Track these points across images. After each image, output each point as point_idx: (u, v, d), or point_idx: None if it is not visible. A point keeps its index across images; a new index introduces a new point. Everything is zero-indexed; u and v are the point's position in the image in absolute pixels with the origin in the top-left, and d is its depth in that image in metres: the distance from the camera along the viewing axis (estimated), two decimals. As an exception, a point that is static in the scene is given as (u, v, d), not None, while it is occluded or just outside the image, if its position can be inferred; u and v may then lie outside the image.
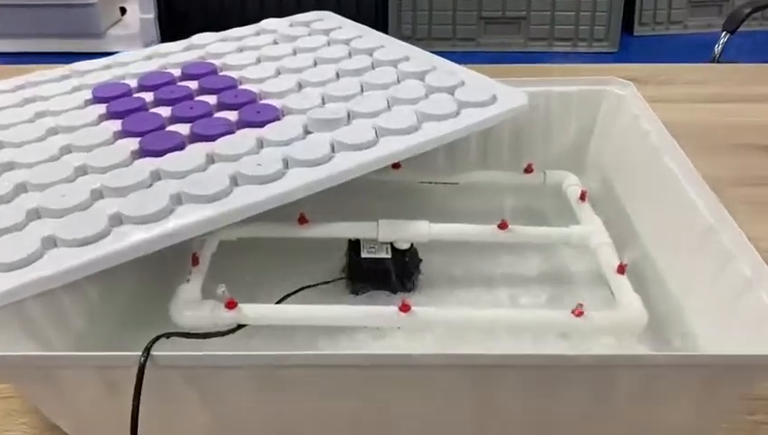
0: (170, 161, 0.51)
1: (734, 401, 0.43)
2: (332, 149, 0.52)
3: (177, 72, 0.64)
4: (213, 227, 0.46)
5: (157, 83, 0.62)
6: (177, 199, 0.47)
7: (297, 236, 0.53)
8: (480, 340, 0.48)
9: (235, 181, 0.49)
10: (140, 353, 0.36)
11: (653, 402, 0.38)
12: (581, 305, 0.45)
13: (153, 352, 0.36)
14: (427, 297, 0.54)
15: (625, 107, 0.63)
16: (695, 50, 2.41)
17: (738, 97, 0.89)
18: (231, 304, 0.46)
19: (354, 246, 0.54)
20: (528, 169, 0.61)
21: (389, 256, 0.53)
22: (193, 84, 0.62)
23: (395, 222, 0.54)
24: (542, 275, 0.56)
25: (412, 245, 0.54)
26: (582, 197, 0.58)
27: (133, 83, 0.63)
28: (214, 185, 0.48)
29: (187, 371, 0.37)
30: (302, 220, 0.53)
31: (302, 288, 0.52)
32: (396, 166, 0.61)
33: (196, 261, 0.50)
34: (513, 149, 0.66)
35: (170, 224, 0.45)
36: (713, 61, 1.46)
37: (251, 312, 0.46)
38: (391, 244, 0.54)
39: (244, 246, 0.54)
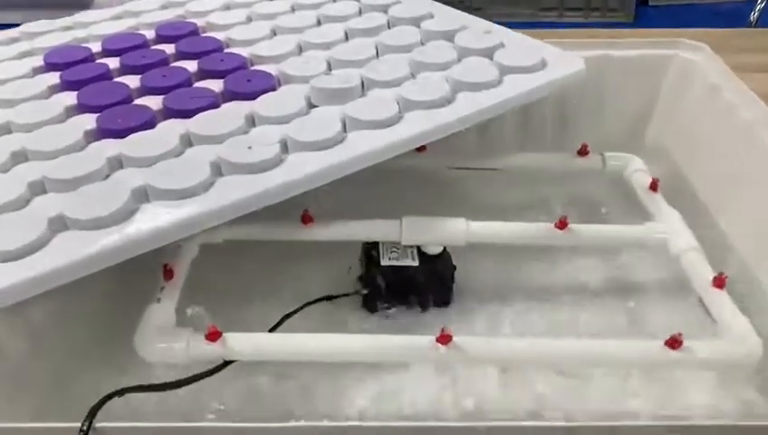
0: (135, 144, 0.39)
1: None
2: (344, 128, 0.41)
3: (150, 34, 0.53)
4: (188, 232, 0.35)
5: (124, 47, 0.50)
6: (142, 195, 0.36)
7: (299, 239, 0.42)
8: (537, 376, 0.37)
9: (218, 170, 0.38)
10: (80, 425, 0.25)
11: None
12: (680, 335, 0.34)
13: (97, 424, 0.25)
14: (465, 316, 0.43)
15: (699, 75, 0.52)
16: (714, 20, 2.29)
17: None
18: (213, 335, 0.34)
19: (371, 251, 0.43)
20: (582, 152, 0.50)
21: (416, 263, 0.42)
22: (169, 48, 0.50)
23: (423, 220, 0.43)
24: (609, 288, 0.44)
25: (445, 249, 0.43)
26: (654, 186, 0.46)
27: (96, 47, 0.51)
28: (190, 175, 0.36)
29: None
30: (306, 219, 0.42)
31: (305, 305, 0.41)
32: (420, 148, 0.49)
33: (169, 274, 0.39)
34: (557, 126, 0.55)
35: (131, 229, 0.34)
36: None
37: (239, 344, 0.35)
38: (418, 248, 0.43)
39: (232, 252, 0.43)
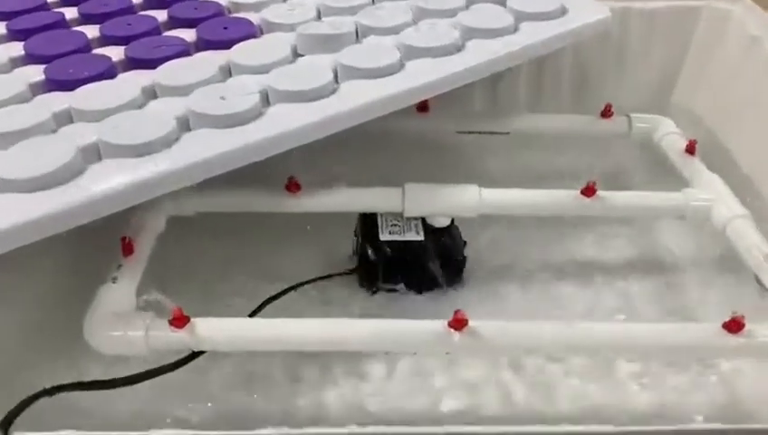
0: (87, 96, 0.33)
1: None
2: (335, 78, 0.35)
3: (114, -17, 0.46)
4: (148, 195, 0.29)
5: (83, -5, 0.44)
6: (93, 153, 0.30)
7: (285, 211, 0.36)
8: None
9: (185, 125, 0.31)
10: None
11: None
12: (742, 317, 0.28)
13: (15, 433, 0.19)
14: (477, 298, 0.37)
15: (735, 27, 0.46)
16: None
17: None
18: (179, 320, 0.28)
19: (369, 223, 0.37)
20: (606, 113, 0.44)
21: (421, 237, 0.36)
22: (136, -3, 0.44)
23: (428, 187, 0.37)
24: (643, 265, 0.39)
25: (453, 221, 0.37)
26: (691, 148, 0.41)
27: (51, -3, 0.44)
28: (151, 129, 0.30)
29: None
30: (292, 186, 0.36)
31: (291, 288, 0.35)
32: (422, 108, 0.44)
33: (128, 249, 0.32)
34: (574, 87, 0.50)
35: (76, 191, 0.28)
36: None
37: (209, 331, 0.29)
38: (423, 220, 0.37)
39: (206, 226, 0.37)
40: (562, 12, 0.41)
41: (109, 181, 0.28)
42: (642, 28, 0.48)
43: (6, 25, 0.40)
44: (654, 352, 0.31)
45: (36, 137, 0.30)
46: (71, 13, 0.42)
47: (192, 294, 0.33)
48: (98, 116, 0.32)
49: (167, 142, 0.30)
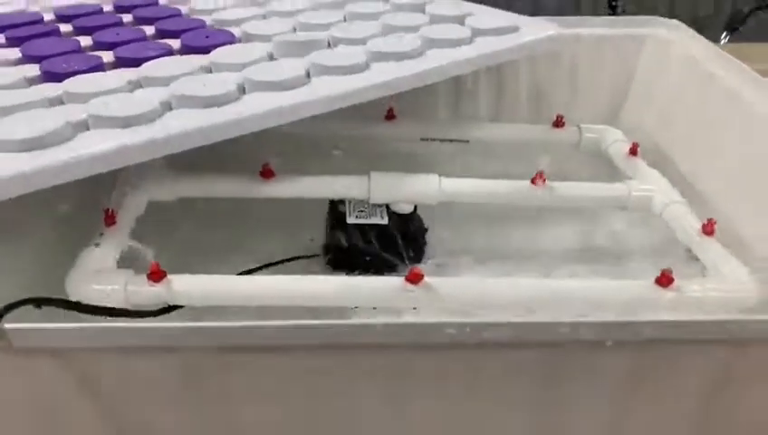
0: (78, 83, 0.36)
1: None
2: (308, 75, 0.38)
3: (107, 6, 0.50)
4: (131, 159, 0.32)
5: (78, 14, 0.48)
6: (83, 125, 0.33)
7: (259, 196, 0.39)
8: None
9: (167, 106, 0.34)
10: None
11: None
12: (670, 271, 0.31)
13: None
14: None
15: (677, 52, 0.50)
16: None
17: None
18: (156, 274, 0.31)
19: (338, 209, 0.40)
20: (558, 123, 0.48)
21: (385, 222, 0.39)
22: (126, 16, 0.48)
23: (393, 176, 0.40)
24: (587, 249, 0.42)
25: (416, 208, 0.40)
26: (633, 151, 0.44)
27: (48, 16, 0.48)
28: (137, 106, 0.33)
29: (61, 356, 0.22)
30: (267, 173, 0.39)
31: (263, 266, 0.38)
32: (390, 117, 0.47)
33: (110, 220, 0.35)
34: (531, 112, 0.53)
35: (66, 151, 0.30)
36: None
37: (185, 286, 0.31)
38: (387, 206, 0.40)
39: (185, 209, 0.39)
40: (515, 29, 0.45)
41: (95, 145, 0.31)
42: (592, 53, 0.52)
43: (4, 37, 0.44)
44: (594, 306, 0.33)
45: (30, 111, 0.33)
46: (65, 27, 0.46)
47: (171, 266, 0.35)
48: (87, 99, 0.34)
49: (150, 118, 0.33)
